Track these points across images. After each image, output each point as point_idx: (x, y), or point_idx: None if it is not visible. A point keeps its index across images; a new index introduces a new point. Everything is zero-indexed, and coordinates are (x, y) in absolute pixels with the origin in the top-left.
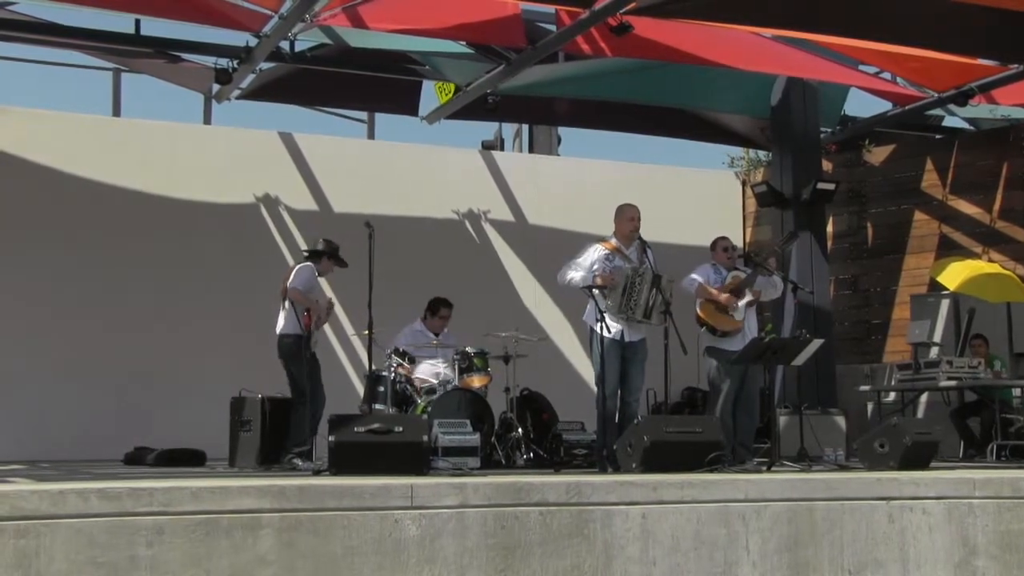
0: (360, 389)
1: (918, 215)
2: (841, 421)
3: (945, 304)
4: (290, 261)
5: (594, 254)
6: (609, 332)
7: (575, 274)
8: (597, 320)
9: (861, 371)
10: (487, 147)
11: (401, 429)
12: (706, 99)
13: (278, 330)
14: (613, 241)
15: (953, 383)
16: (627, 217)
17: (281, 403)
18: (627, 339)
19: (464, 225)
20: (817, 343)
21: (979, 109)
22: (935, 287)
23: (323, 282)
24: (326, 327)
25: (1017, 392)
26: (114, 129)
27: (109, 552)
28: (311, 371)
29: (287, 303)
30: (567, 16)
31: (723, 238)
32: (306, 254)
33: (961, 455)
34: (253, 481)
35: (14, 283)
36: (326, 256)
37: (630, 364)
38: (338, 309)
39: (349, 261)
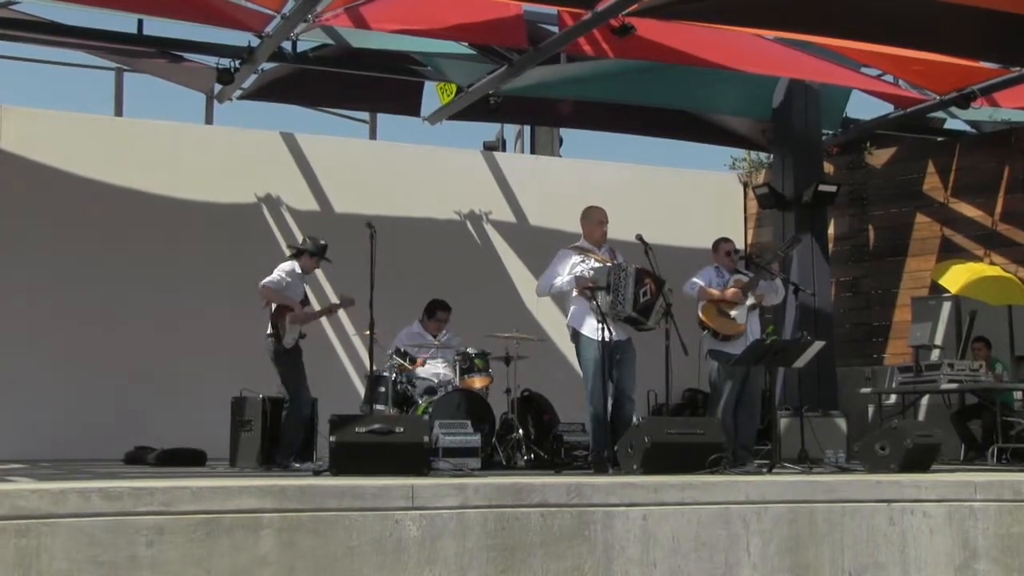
0: (361, 389)
1: (919, 218)
2: (842, 423)
3: (946, 307)
4: None
5: (569, 260)
6: (595, 334)
7: (560, 279)
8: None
9: (862, 373)
10: (489, 148)
11: (402, 430)
12: (708, 101)
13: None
14: (584, 244)
15: (954, 386)
16: (596, 221)
17: (282, 403)
18: (613, 339)
19: (466, 226)
20: (818, 345)
21: (981, 112)
22: (936, 290)
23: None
24: (327, 327)
25: (1018, 395)
26: (116, 129)
27: (110, 551)
28: (295, 371)
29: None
30: (569, 17)
31: (726, 240)
32: (292, 252)
33: (962, 458)
34: (254, 481)
35: (15, 282)
36: (307, 254)
37: (620, 365)
38: (339, 309)
39: (350, 262)
